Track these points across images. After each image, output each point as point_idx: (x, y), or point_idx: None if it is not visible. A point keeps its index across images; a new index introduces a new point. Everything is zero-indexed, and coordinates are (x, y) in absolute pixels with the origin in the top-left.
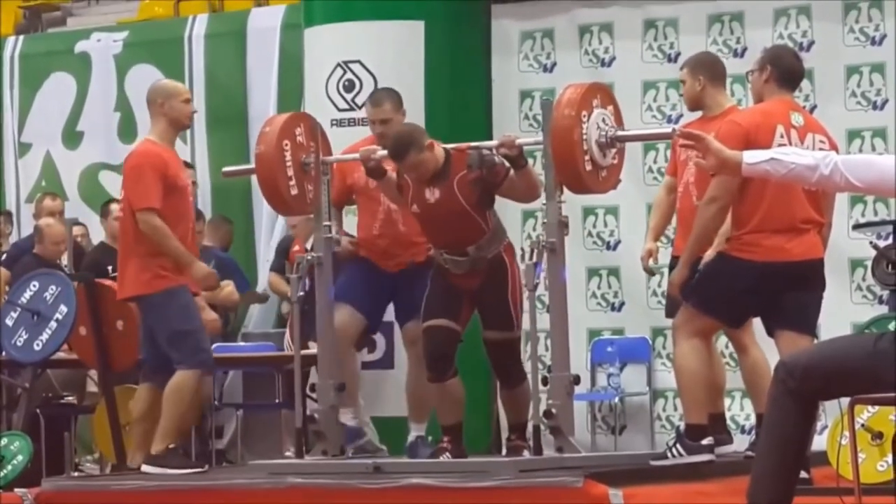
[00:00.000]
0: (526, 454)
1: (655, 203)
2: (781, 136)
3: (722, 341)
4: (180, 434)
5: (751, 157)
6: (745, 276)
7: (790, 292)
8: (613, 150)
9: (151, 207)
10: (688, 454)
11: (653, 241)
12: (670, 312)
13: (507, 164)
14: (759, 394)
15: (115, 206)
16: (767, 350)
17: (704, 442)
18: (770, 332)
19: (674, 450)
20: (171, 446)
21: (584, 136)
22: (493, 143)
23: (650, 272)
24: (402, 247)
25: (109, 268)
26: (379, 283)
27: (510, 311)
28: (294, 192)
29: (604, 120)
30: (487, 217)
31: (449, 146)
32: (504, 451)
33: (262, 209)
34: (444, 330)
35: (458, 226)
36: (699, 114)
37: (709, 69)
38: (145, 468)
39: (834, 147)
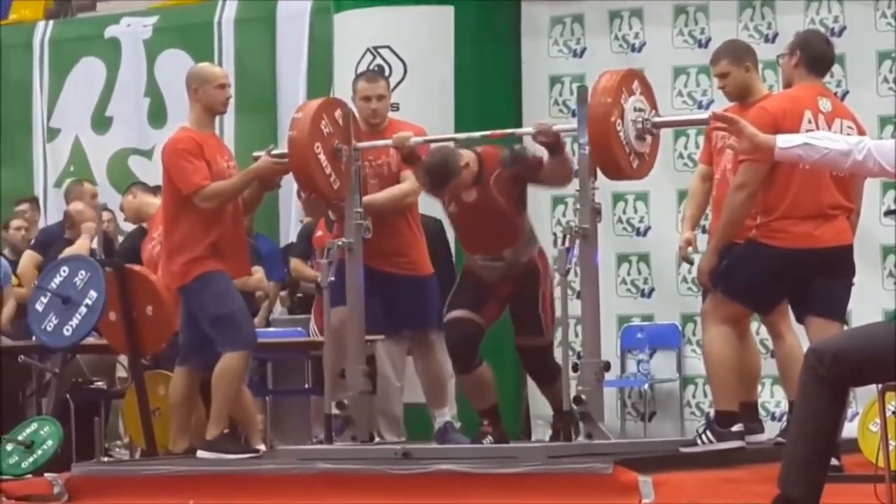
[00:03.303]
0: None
1: (690, 192)
2: (809, 122)
3: (753, 327)
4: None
5: (784, 141)
6: (773, 263)
7: (819, 279)
8: (649, 137)
9: (200, 186)
10: (717, 441)
11: (690, 231)
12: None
13: (538, 154)
14: (792, 381)
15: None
16: (801, 336)
17: (734, 429)
18: (799, 319)
19: (703, 436)
20: (226, 431)
21: (621, 123)
22: (527, 129)
23: (689, 261)
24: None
25: None
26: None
27: (540, 319)
28: (334, 181)
29: (640, 107)
30: (522, 219)
31: (478, 148)
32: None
33: (292, 195)
34: (465, 322)
35: (495, 226)
36: (725, 101)
37: (752, 55)
38: (201, 454)
39: (862, 132)
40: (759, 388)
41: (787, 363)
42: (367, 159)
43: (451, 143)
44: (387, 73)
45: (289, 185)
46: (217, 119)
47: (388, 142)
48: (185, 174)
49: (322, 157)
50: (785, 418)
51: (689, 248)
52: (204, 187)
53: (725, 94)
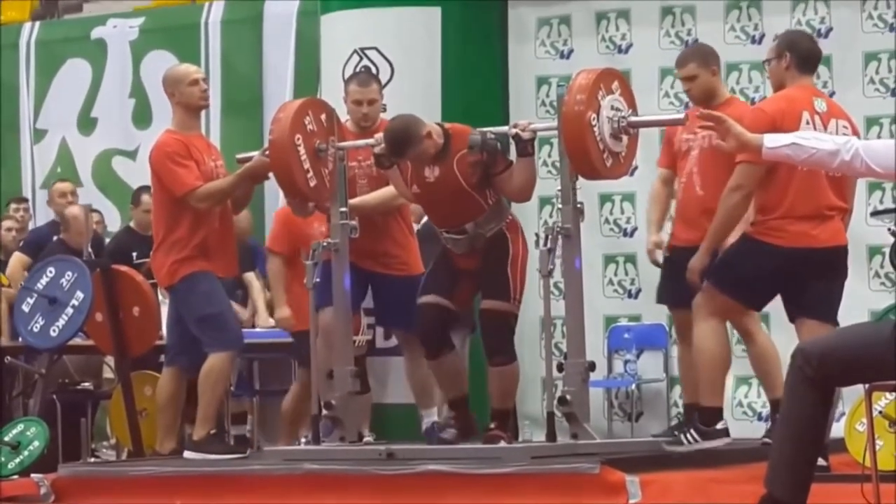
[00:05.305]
0: (502, 444)
1: (653, 196)
2: (807, 123)
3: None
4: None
5: (772, 140)
6: (770, 261)
7: (814, 279)
8: (626, 137)
9: (194, 187)
10: (703, 439)
11: (657, 234)
12: (661, 298)
13: (507, 157)
14: (769, 379)
15: (146, 198)
16: (788, 333)
17: (718, 426)
18: (791, 318)
19: (689, 435)
20: (213, 432)
21: (596, 122)
22: (505, 128)
23: (658, 264)
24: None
25: (134, 254)
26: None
27: (507, 281)
28: (311, 178)
29: (616, 106)
30: (487, 195)
31: (448, 125)
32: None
33: (279, 196)
34: (436, 307)
35: (457, 204)
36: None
37: (718, 59)
38: (187, 454)
39: (856, 133)
40: (746, 388)
41: (762, 361)
42: (357, 160)
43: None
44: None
45: (275, 193)
46: (203, 120)
47: (371, 141)
48: (176, 177)
49: (302, 152)
50: (767, 417)
51: (658, 252)
52: (197, 188)
53: (690, 96)
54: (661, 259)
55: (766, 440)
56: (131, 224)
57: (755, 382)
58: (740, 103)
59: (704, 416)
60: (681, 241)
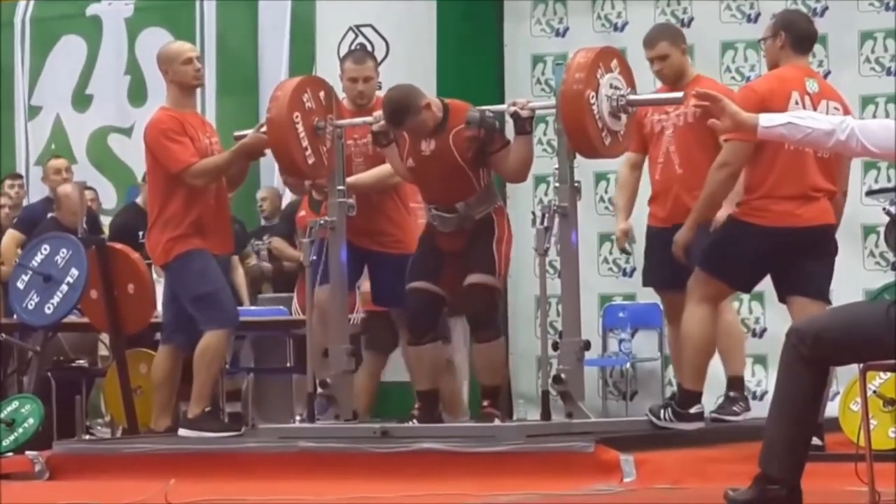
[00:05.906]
0: (497, 422)
1: (620, 182)
2: (796, 103)
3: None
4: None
5: (767, 120)
6: (754, 241)
7: (801, 258)
8: (625, 115)
9: (189, 164)
10: (677, 420)
11: (625, 221)
12: (647, 281)
13: (505, 136)
14: (731, 356)
15: None
16: (784, 313)
17: (693, 410)
18: (782, 299)
19: (665, 413)
20: (207, 409)
21: (595, 101)
22: (503, 106)
23: (627, 252)
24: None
25: (140, 233)
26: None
27: (493, 257)
28: (309, 156)
29: (615, 84)
30: (480, 175)
31: (448, 100)
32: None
33: (274, 174)
34: (426, 293)
35: (450, 180)
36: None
37: (684, 37)
38: (182, 432)
39: (848, 113)
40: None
41: (726, 337)
42: (353, 138)
43: None
44: (369, 51)
45: (270, 170)
46: (198, 99)
47: (369, 119)
48: (171, 153)
49: (301, 130)
50: (724, 396)
51: (625, 239)
52: (193, 164)
53: (662, 77)
54: (629, 248)
55: (716, 414)
56: (138, 200)
57: (749, 362)
58: (708, 80)
59: (682, 399)
60: (659, 221)
